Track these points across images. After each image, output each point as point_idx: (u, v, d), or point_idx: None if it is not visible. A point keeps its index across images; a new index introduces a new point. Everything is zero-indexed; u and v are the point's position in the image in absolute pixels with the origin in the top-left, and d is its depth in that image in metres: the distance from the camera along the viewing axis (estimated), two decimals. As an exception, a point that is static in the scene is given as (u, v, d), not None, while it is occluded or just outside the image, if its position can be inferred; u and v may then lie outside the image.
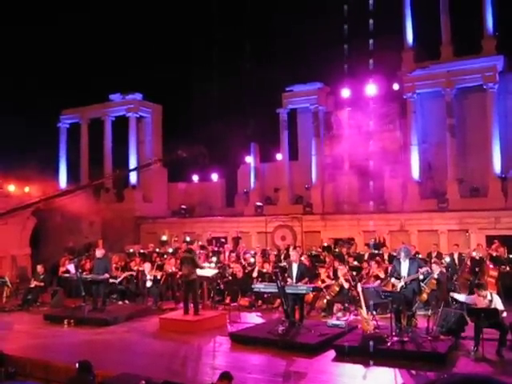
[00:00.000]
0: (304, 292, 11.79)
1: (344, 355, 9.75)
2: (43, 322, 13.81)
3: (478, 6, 22.25)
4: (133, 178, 28.77)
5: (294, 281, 11.83)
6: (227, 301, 15.14)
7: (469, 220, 20.47)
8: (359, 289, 11.21)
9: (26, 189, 22.68)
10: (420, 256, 16.06)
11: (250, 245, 22.94)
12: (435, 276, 12.66)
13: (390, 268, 12.16)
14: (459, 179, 22.44)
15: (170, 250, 19.95)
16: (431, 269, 12.68)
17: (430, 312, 11.41)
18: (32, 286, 16.26)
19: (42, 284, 16.33)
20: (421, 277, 11.00)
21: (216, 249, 19.96)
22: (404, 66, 23.75)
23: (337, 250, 19.23)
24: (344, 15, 26.12)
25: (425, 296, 12.45)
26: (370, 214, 23.32)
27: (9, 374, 8.39)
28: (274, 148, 27.48)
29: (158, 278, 15.73)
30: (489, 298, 9.91)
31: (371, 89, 24.32)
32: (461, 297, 10.99)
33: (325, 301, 13.72)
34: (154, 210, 28.34)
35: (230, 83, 25.60)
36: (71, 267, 15.94)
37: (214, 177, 30.02)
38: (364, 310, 10.61)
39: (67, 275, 16.49)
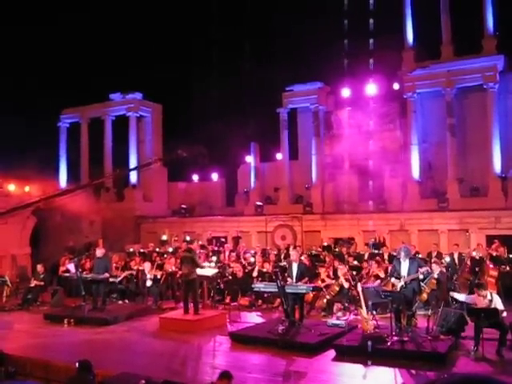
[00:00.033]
0: (304, 291, 11.80)
1: (344, 355, 9.76)
2: (43, 322, 13.81)
3: (479, 5, 22.25)
4: (133, 177, 28.78)
5: (294, 280, 11.84)
6: (227, 300, 15.14)
7: (469, 220, 20.46)
8: (359, 288, 11.20)
9: (26, 188, 22.69)
10: (420, 256, 16.07)
11: (250, 244, 22.95)
12: (435, 276, 12.67)
13: (389, 268, 12.17)
14: (459, 179, 22.44)
15: (170, 250, 19.94)
16: (431, 268, 12.68)
17: (429, 312, 11.41)
18: (32, 285, 16.26)
19: (42, 283, 16.33)
20: (421, 276, 10.99)
21: (216, 248, 19.95)
22: (404, 66, 23.74)
23: (337, 249, 19.25)
24: (344, 15, 26.10)
25: (425, 296, 12.45)
26: (370, 213, 23.32)
27: (9, 373, 8.39)
28: (274, 148, 27.49)
29: (158, 277, 15.73)
30: (489, 297, 9.91)
31: (371, 88, 24.32)
32: (461, 296, 10.98)
33: (325, 300, 13.72)
34: (154, 210, 28.33)
35: (230, 83, 25.60)
36: (71, 266, 15.93)
37: (214, 176, 30.04)
38: (364, 310, 10.61)
39: (67, 274, 16.50)
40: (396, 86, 24.23)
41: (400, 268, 10.71)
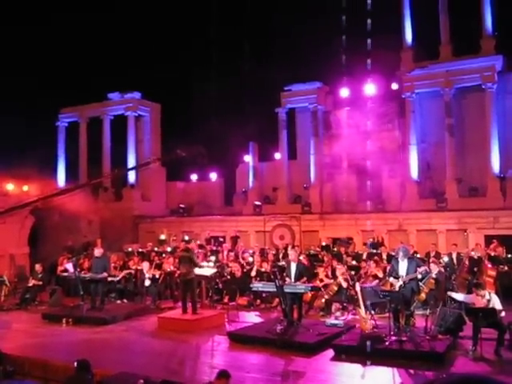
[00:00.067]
0: (302, 291, 11.82)
1: (342, 354, 9.77)
2: (41, 321, 13.80)
3: (477, 5, 22.27)
4: (131, 177, 28.77)
5: (293, 280, 11.84)
6: (226, 300, 15.15)
7: (467, 220, 20.48)
8: (357, 288, 11.21)
9: (25, 187, 22.66)
10: (418, 255, 16.08)
11: (249, 244, 22.94)
12: (433, 275, 12.70)
13: (388, 267, 12.17)
14: (458, 179, 22.45)
15: (169, 249, 19.95)
16: (429, 268, 12.71)
17: (428, 311, 11.41)
18: (30, 284, 16.24)
19: (41, 283, 16.30)
20: (419, 276, 10.99)
21: (214, 248, 19.97)
22: (403, 66, 23.77)
23: (335, 249, 19.28)
24: (343, 15, 26.10)
25: (423, 295, 12.48)
26: (369, 213, 23.33)
27: (7, 372, 8.39)
28: (272, 147, 27.49)
29: (157, 277, 15.71)
30: (487, 297, 9.92)
31: (370, 88, 24.34)
32: (459, 296, 10.99)
33: (323, 300, 13.73)
34: (152, 209, 28.32)
35: (229, 83, 25.59)
36: (69, 266, 15.91)
37: (213, 176, 30.04)
38: (362, 310, 10.62)
39: (65, 274, 16.52)
40: (394, 86, 24.24)
41: (398, 268, 10.72)
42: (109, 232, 24.22)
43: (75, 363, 7.50)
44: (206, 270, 14.08)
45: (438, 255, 16.33)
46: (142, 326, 13.04)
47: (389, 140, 24.61)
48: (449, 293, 11.51)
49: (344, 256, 17.45)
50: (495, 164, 21.83)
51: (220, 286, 15.81)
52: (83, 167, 30.00)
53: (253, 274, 15.76)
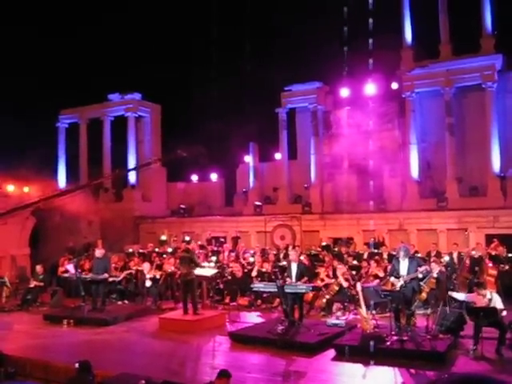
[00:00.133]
0: (303, 291, 11.80)
1: (343, 355, 9.77)
2: (43, 322, 13.81)
3: (477, 4, 22.25)
4: (132, 177, 28.77)
5: (294, 280, 11.83)
6: (226, 300, 15.16)
7: (468, 219, 20.47)
8: (358, 288, 11.22)
9: (26, 189, 22.67)
10: (419, 255, 16.05)
11: (250, 244, 22.94)
12: (434, 275, 12.70)
13: (389, 267, 12.17)
14: (458, 178, 22.44)
15: (170, 250, 19.92)
16: (430, 268, 12.69)
17: (429, 311, 11.42)
18: (31, 285, 16.25)
19: (42, 284, 16.32)
20: (420, 276, 10.98)
21: (215, 248, 19.94)
22: (403, 65, 23.75)
23: (336, 249, 19.26)
24: (343, 15, 26.09)
25: (424, 295, 12.47)
26: (369, 213, 23.31)
27: (8, 374, 8.40)
28: (272, 147, 27.48)
29: (158, 277, 15.71)
30: (488, 296, 9.92)
31: (370, 88, 24.31)
32: (460, 296, 11.00)
33: (324, 300, 13.73)
34: (153, 210, 28.32)
35: (229, 83, 25.58)
36: (70, 267, 15.95)
37: (213, 176, 30.01)
38: (363, 309, 10.62)
39: (67, 275, 16.53)
40: (395, 86, 24.21)
41: (399, 267, 10.71)
42: (109, 233, 24.24)
43: (76, 364, 7.50)
44: (207, 270, 14.07)
45: (438, 255, 16.32)
46: (143, 326, 13.05)
47: (389, 139, 24.59)
48: (450, 292, 11.52)
49: (345, 256, 17.44)
50: (495, 163, 21.81)
51: (221, 286, 15.81)
52: (84, 168, 30.00)
53: (254, 274, 15.75)
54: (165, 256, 18.47)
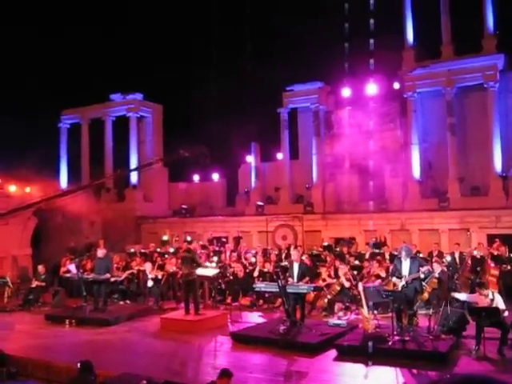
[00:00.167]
0: (305, 291, 11.80)
1: (345, 355, 9.76)
2: (44, 322, 13.83)
3: (479, 4, 22.23)
4: (133, 177, 28.78)
5: (295, 280, 11.83)
6: (228, 300, 15.13)
7: (470, 219, 20.45)
8: (360, 288, 11.21)
9: (27, 189, 22.71)
10: (421, 255, 16.04)
11: (251, 244, 22.92)
12: (436, 275, 12.68)
13: (391, 267, 12.16)
14: (460, 178, 22.42)
15: (171, 250, 19.91)
16: (432, 268, 12.70)
17: (431, 311, 11.37)
18: (33, 286, 16.28)
19: (43, 284, 16.35)
20: (422, 276, 10.99)
21: (217, 248, 19.95)
22: (404, 65, 23.73)
23: (338, 249, 19.23)
24: (345, 15, 26.08)
25: (426, 295, 12.45)
26: (371, 213, 23.31)
27: (10, 374, 8.42)
28: (274, 147, 27.48)
29: (159, 277, 15.72)
30: (490, 296, 9.91)
31: (372, 88, 24.32)
32: (462, 296, 10.98)
33: (326, 300, 13.72)
34: (154, 210, 28.34)
35: (231, 83, 25.57)
36: (72, 267, 15.97)
37: (215, 176, 30.03)
38: (365, 310, 10.61)
39: (68, 275, 16.53)
40: (396, 86, 24.22)
41: (401, 267, 10.70)
42: (111, 233, 24.24)
43: (78, 364, 7.52)
44: (209, 270, 14.07)
45: (440, 255, 16.29)
46: (144, 326, 13.06)
47: (391, 139, 24.57)
48: (452, 292, 11.50)
49: (347, 256, 17.44)
50: (497, 163, 21.79)
51: (223, 286, 15.80)
52: (85, 168, 30.02)
53: (255, 274, 15.76)
54: (166, 256, 18.48)
